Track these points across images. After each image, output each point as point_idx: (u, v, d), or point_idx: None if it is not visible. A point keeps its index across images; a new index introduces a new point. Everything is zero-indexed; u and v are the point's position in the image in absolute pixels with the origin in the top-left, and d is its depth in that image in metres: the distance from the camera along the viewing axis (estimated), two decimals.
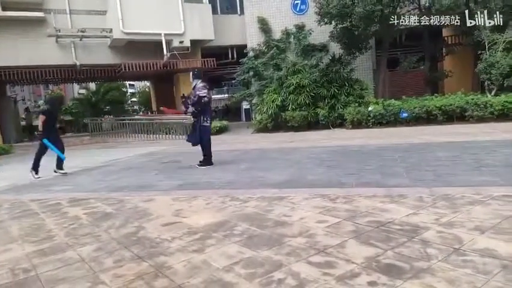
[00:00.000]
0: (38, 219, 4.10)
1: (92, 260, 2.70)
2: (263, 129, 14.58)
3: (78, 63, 16.80)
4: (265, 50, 16.76)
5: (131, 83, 43.62)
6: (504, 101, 11.26)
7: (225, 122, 17.25)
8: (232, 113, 25.60)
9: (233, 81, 20.95)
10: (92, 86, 32.66)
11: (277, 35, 17.14)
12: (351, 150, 7.82)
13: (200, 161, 7.10)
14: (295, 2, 17.50)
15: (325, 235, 2.81)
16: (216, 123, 16.61)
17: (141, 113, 31.77)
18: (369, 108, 12.89)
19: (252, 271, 2.28)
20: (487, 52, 12.68)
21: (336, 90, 14.08)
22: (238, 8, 19.34)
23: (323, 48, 16.40)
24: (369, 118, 12.75)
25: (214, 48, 19.04)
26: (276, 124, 14.45)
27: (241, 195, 4.34)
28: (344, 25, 14.18)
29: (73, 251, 2.93)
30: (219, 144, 12.36)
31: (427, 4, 14.04)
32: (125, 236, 3.20)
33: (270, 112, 14.21)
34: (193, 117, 7.18)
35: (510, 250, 2.28)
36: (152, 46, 16.96)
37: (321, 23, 14.46)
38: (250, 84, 17.25)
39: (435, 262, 2.20)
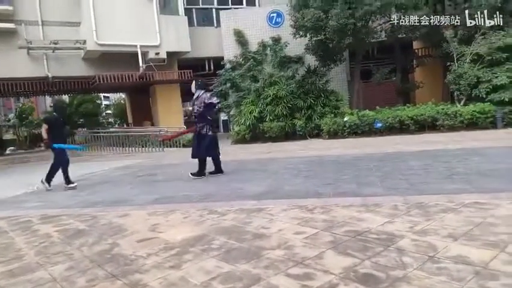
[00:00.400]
0: (6, 238, 3.91)
1: (64, 280, 2.60)
2: (241, 140, 14.59)
3: (50, 76, 16.40)
4: (242, 61, 16.90)
5: (106, 95, 42.87)
6: (473, 111, 11.74)
7: None
8: None
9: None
10: (65, 98, 31.85)
11: (253, 47, 17.32)
12: (328, 160, 7.92)
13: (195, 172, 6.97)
14: (271, 15, 17.79)
15: (303, 246, 2.81)
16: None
17: (116, 126, 31.19)
18: (345, 119, 13.15)
19: (230, 286, 2.25)
20: (456, 64, 13.22)
21: (312, 101, 14.31)
22: (215, 21, 19.47)
23: (299, 60, 16.68)
24: (345, 128, 12.99)
25: (190, 59, 19.03)
26: (254, 135, 14.50)
27: (219, 207, 4.30)
28: (318, 38, 14.51)
29: (44, 271, 2.81)
30: None
31: (398, 18, 14.56)
32: (99, 254, 3.09)
33: (247, 123, 14.26)
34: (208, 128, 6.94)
35: (482, 256, 2.35)
36: (127, 57, 16.78)
37: (297, 36, 14.74)
38: (228, 95, 17.28)
39: (411, 270, 2.23)
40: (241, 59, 17.05)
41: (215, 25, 19.43)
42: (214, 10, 19.56)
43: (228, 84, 16.79)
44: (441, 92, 15.46)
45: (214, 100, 6.93)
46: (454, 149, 8.00)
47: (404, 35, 15.08)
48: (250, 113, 14.35)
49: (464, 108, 12.04)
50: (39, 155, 17.20)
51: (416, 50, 17.83)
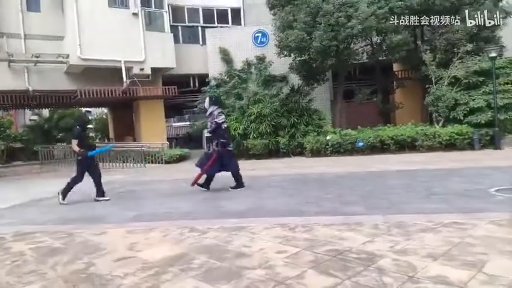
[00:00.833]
0: None
1: None
2: None
3: (31, 89, 16.06)
4: (227, 79, 17.01)
5: (88, 109, 42.27)
6: (451, 132, 12.07)
7: (186, 150, 17.03)
8: (193, 141, 25.38)
9: (195, 109, 20.89)
10: (46, 112, 31.22)
11: (238, 65, 17.49)
12: (312, 179, 7.95)
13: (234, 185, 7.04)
14: (256, 34, 18.07)
15: (285, 266, 2.79)
16: (176, 151, 16.36)
17: (97, 141, 30.64)
18: (328, 138, 13.30)
19: None
20: (434, 86, 13.64)
21: (295, 119, 14.46)
22: (201, 39, 19.61)
23: (283, 79, 16.91)
24: (327, 147, 13.13)
25: (175, 76, 19.03)
26: (238, 152, 14.44)
27: (200, 226, 4.23)
28: (302, 58, 14.79)
29: None
30: (178, 172, 12.13)
31: (378, 41, 15.01)
32: (74, 273, 2.99)
33: (232, 140, 14.24)
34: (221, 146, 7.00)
35: (460, 276, 2.37)
36: (111, 72, 16.64)
37: (281, 55, 14.98)
38: None
39: None
40: (226, 77, 17.18)
41: (201, 43, 19.57)
42: (200, 28, 19.74)
43: None
44: (420, 113, 15.86)
45: (220, 120, 6.95)
46: (433, 169, 8.17)
47: (385, 57, 15.54)
48: (234, 130, 14.36)
49: (443, 130, 12.37)
50: (16, 169, 16.67)
51: (396, 72, 18.34)
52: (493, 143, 12.02)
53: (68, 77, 16.91)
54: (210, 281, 2.58)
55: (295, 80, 16.21)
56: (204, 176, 7.09)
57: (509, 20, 14.26)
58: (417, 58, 14.46)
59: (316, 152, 13.24)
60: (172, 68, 18.11)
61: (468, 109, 12.73)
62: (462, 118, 12.72)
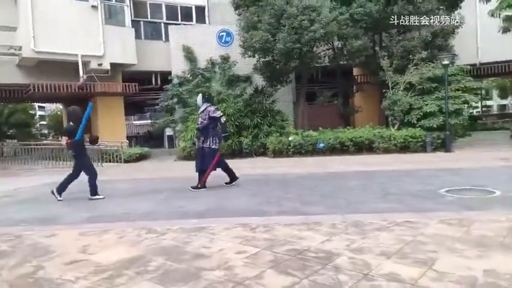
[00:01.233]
0: None
1: None
2: (187, 156, 14.30)
3: None
4: (190, 77, 16.80)
5: (42, 104, 40.17)
6: (405, 135, 12.64)
7: (146, 149, 16.61)
8: (154, 139, 24.81)
9: (156, 107, 20.44)
10: None
11: (202, 63, 17.32)
12: (274, 179, 8.02)
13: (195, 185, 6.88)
14: (221, 33, 17.98)
15: (244, 266, 2.77)
16: (136, 150, 15.93)
17: (51, 138, 29.17)
18: (290, 139, 13.48)
19: None
20: (391, 91, 14.22)
21: (259, 120, 14.53)
22: (163, 35, 19.23)
23: (247, 79, 16.95)
24: (289, 148, 13.30)
25: (136, 73, 18.50)
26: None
27: (159, 227, 4.12)
28: (266, 59, 14.90)
29: None
30: (137, 171, 11.80)
31: (340, 45, 15.43)
32: (21, 277, 2.80)
33: (194, 139, 14.06)
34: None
35: (411, 274, 2.47)
36: (67, 66, 15.89)
37: (245, 56, 15.00)
38: (174, 110, 17.00)
39: None
40: (189, 75, 16.95)
41: (163, 39, 19.18)
42: (163, 25, 19.34)
43: (175, 100, 16.53)
44: (378, 117, 16.47)
45: (218, 114, 6.86)
46: (389, 170, 8.51)
47: (346, 62, 16.00)
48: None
49: (398, 133, 12.93)
50: None
51: (356, 77, 18.94)
52: (444, 146, 12.70)
53: (21, 70, 15.97)
54: (166, 284, 2.52)
55: (259, 80, 16.29)
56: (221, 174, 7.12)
57: (461, 30, 15.13)
58: (376, 64, 15.00)
59: (279, 153, 13.37)
60: (133, 64, 17.60)
61: (421, 113, 13.37)
62: (416, 122, 13.35)
